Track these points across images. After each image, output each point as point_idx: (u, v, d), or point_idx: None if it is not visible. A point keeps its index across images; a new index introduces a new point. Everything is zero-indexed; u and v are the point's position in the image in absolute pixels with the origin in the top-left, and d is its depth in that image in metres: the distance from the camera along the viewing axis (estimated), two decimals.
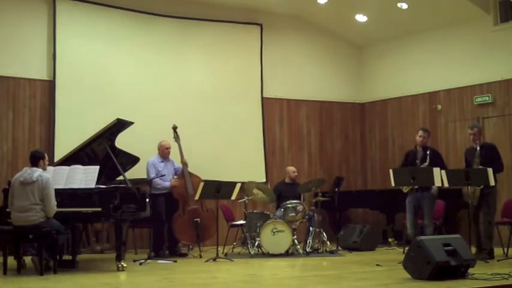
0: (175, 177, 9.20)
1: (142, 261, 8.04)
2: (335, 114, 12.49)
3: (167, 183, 9.08)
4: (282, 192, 9.83)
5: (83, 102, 10.04)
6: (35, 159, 7.06)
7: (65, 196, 7.22)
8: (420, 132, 8.37)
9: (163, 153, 9.23)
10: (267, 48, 11.68)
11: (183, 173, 9.27)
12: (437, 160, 8.20)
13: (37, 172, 6.91)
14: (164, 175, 9.01)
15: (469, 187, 8.07)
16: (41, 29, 9.99)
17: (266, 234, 8.79)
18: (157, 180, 8.93)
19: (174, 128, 9.50)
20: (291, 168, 10.17)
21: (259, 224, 8.96)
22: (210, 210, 9.36)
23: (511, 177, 10.11)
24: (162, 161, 9.17)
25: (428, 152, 8.23)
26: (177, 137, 9.47)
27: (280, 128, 11.93)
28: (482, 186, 7.96)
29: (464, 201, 8.65)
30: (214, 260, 8.27)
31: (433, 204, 8.32)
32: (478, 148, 8.16)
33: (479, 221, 8.17)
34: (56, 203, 6.96)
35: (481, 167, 7.96)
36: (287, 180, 10.10)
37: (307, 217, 9.39)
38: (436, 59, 11.29)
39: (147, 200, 7.64)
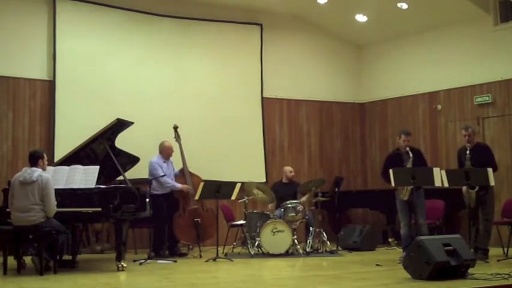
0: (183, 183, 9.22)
1: (142, 261, 8.05)
2: (335, 114, 12.48)
3: (178, 185, 9.09)
4: (279, 191, 9.83)
5: (83, 102, 10.04)
6: (34, 159, 7.06)
7: (65, 196, 7.22)
8: (403, 137, 8.36)
9: (167, 154, 9.23)
10: (267, 48, 11.67)
11: (183, 173, 9.28)
12: (421, 159, 8.25)
13: (37, 172, 6.91)
14: (165, 175, 9.01)
15: (464, 189, 8.06)
16: (41, 29, 9.99)
17: (266, 234, 8.80)
18: (167, 179, 8.96)
19: (175, 128, 9.51)
20: (288, 168, 10.20)
21: (259, 224, 8.96)
22: (210, 210, 9.36)
23: (511, 177, 10.12)
24: (164, 162, 9.18)
25: (413, 152, 8.26)
26: (177, 137, 9.48)
27: (280, 128, 11.92)
28: (477, 188, 7.94)
29: (465, 201, 8.63)
30: (214, 260, 8.27)
31: (425, 203, 8.31)
32: (468, 150, 8.12)
33: (478, 221, 8.14)
34: (56, 203, 6.96)
35: (472, 168, 7.95)
36: (284, 180, 10.12)
37: (307, 217, 9.39)
38: (436, 59, 11.28)
39: (147, 200, 7.64)
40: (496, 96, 10.43)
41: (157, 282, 6.54)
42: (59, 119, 9.88)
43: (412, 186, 7.88)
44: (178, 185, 9.12)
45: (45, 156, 7.20)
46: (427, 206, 8.50)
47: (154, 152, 9.25)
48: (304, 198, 9.73)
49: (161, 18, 10.85)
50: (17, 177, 7.02)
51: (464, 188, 8.10)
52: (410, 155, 8.17)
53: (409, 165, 8.13)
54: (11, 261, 7.08)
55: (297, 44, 12.11)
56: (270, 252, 8.80)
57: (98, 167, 7.53)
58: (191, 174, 9.34)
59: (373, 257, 8.72)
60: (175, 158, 9.41)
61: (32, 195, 6.83)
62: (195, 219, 9.11)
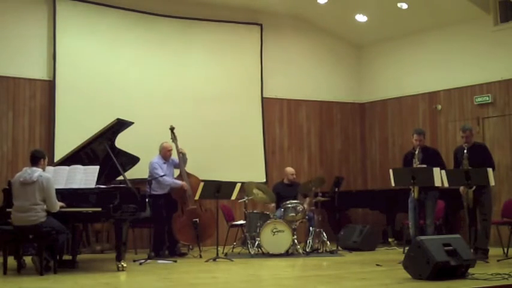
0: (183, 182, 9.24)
1: (142, 261, 8.05)
2: (335, 114, 12.49)
3: (179, 182, 9.10)
4: (281, 192, 9.84)
5: (83, 102, 10.04)
6: (35, 159, 7.07)
7: (65, 196, 7.22)
8: (415, 136, 8.34)
9: (166, 155, 9.22)
10: (267, 48, 11.67)
11: (180, 173, 9.27)
12: (433, 159, 8.18)
13: (37, 172, 6.91)
14: (165, 175, 9.00)
15: (462, 189, 8.05)
16: (41, 29, 9.99)
17: (266, 234, 8.80)
18: (167, 178, 8.97)
19: (172, 129, 9.49)
20: (290, 170, 10.16)
21: (259, 224, 8.96)
22: (209, 210, 9.37)
23: (511, 177, 10.11)
24: (164, 162, 9.17)
25: (428, 153, 8.24)
26: (174, 138, 9.46)
27: (280, 128, 11.92)
28: (474, 188, 7.93)
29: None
30: (214, 260, 8.27)
31: (436, 205, 8.32)
32: (466, 150, 8.11)
33: (476, 221, 8.13)
34: (57, 202, 6.97)
35: (470, 168, 7.94)
36: (286, 181, 10.12)
37: (307, 217, 9.39)
38: (436, 59, 11.29)
39: (147, 200, 7.64)
40: (496, 96, 10.43)
41: (157, 282, 6.54)
42: (59, 119, 9.88)
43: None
44: (179, 182, 9.12)
45: (46, 156, 7.22)
46: None
47: (154, 152, 9.25)
48: (306, 203, 9.65)
49: (161, 18, 10.85)
50: (17, 177, 7.02)
51: (461, 188, 8.10)
52: (416, 153, 8.17)
53: (415, 165, 8.12)
54: (11, 261, 7.08)
55: (297, 44, 12.11)
56: (270, 252, 8.80)
57: (98, 167, 7.52)
58: (188, 174, 9.34)
59: (373, 257, 8.72)
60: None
61: (32, 195, 6.83)
62: (194, 220, 9.11)
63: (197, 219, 9.11)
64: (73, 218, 7.38)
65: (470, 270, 6.29)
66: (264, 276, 7.22)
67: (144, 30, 10.71)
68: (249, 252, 8.86)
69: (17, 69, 9.79)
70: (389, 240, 10.50)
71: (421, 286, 5.88)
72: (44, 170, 7.10)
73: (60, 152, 9.12)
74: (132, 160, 8.50)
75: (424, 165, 8.04)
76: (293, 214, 9.08)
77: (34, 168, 6.97)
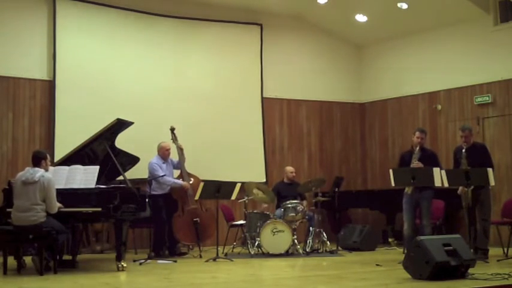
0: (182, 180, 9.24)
1: (142, 261, 8.05)
2: (335, 114, 12.49)
3: (180, 181, 9.10)
4: (281, 192, 9.85)
5: (83, 102, 10.04)
6: (37, 160, 7.09)
7: (65, 196, 7.22)
8: (417, 133, 8.32)
9: (164, 154, 9.23)
10: (267, 48, 11.67)
11: (181, 173, 9.27)
12: (432, 160, 8.17)
13: (39, 172, 6.93)
14: (164, 175, 9.00)
15: (460, 189, 8.04)
16: (41, 29, 9.99)
17: (266, 234, 8.80)
18: (167, 178, 8.98)
19: (172, 130, 9.49)
20: (289, 169, 10.19)
21: (259, 224, 8.96)
22: (209, 210, 9.37)
23: (511, 177, 10.11)
24: (163, 162, 9.18)
25: (427, 153, 8.24)
26: (175, 139, 9.46)
27: (280, 128, 11.93)
28: (472, 187, 7.91)
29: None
30: (214, 260, 8.27)
31: (431, 205, 8.31)
32: (464, 150, 8.11)
33: (475, 221, 8.12)
34: (56, 204, 6.97)
35: (470, 168, 7.93)
36: (286, 180, 10.12)
37: (307, 217, 9.39)
38: (436, 59, 11.28)
39: (147, 200, 7.65)
40: (496, 96, 10.43)
41: (157, 282, 6.54)
42: (59, 119, 9.88)
43: None
44: (180, 182, 9.12)
45: (48, 157, 7.24)
46: None
47: (154, 152, 9.25)
48: (304, 203, 9.66)
49: (161, 18, 10.85)
50: (19, 176, 7.03)
51: (460, 188, 8.09)
52: (415, 151, 8.16)
53: (413, 162, 8.11)
54: (11, 261, 7.08)
55: (297, 44, 12.11)
56: (270, 252, 8.80)
57: (98, 167, 7.53)
58: (189, 174, 9.33)
59: (373, 257, 8.72)
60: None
61: (34, 195, 6.83)
62: (194, 219, 9.11)
63: (198, 219, 9.12)
64: (73, 218, 7.38)
65: (470, 270, 6.29)
66: (264, 276, 7.23)
67: (144, 30, 10.71)
68: (249, 252, 8.86)
69: (17, 69, 9.78)
70: (389, 240, 10.50)
71: (421, 286, 5.88)
72: (47, 170, 7.11)
73: (60, 152, 9.11)
74: (132, 160, 8.50)
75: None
76: (293, 214, 9.09)
77: (36, 169, 6.99)
